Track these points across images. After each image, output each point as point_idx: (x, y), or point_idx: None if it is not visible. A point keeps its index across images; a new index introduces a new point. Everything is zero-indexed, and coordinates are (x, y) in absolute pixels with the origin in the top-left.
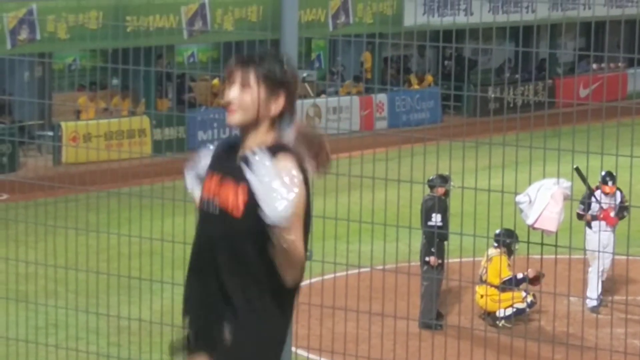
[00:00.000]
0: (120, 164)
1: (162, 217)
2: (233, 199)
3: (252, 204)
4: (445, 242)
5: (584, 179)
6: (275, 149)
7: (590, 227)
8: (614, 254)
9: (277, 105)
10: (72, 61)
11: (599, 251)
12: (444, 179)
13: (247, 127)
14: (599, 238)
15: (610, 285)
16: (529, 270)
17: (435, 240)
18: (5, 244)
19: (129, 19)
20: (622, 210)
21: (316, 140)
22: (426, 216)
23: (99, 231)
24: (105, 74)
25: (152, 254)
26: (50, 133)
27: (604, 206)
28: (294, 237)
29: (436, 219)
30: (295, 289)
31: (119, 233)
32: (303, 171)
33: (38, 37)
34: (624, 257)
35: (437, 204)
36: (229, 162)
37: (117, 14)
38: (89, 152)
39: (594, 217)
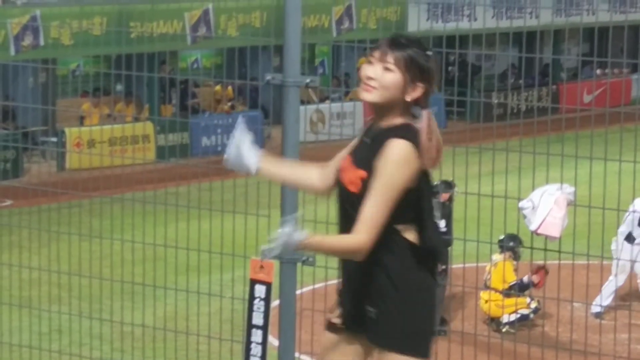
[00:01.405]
0: (124, 170)
1: (166, 222)
2: (351, 177)
3: (365, 186)
4: (449, 248)
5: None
6: (397, 131)
7: (630, 240)
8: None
9: (415, 92)
10: (76, 67)
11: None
12: (449, 185)
13: (381, 108)
14: (631, 251)
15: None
16: (534, 276)
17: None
18: (9, 249)
19: (132, 25)
20: None
21: (437, 136)
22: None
23: (102, 237)
24: (109, 79)
25: (155, 260)
26: (54, 139)
27: None
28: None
29: (440, 224)
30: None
31: (123, 239)
32: (418, 157)
33: (42, 43)
34: (628, 262)
35: (441, 209)
36: (360, 143)
37: (121, 19)
38: (92, 158)
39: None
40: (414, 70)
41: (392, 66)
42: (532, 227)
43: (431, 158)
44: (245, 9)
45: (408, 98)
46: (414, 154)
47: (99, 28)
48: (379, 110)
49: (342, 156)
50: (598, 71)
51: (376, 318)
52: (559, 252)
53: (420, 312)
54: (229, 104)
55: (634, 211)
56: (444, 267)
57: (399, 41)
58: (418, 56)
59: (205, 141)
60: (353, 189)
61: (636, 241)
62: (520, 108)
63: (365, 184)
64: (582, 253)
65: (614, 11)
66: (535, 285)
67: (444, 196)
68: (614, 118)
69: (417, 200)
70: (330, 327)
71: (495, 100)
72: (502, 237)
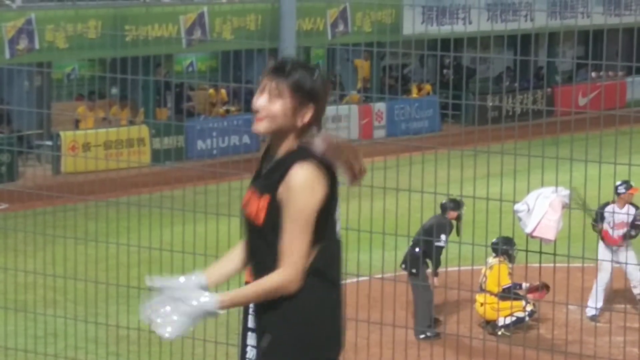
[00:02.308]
0: (119, 174)
1: (161, 226)
2: (254, 209)
3: (271, 213)
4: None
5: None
6: (296, 156)
7: (603, 239)
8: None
9: (306, 116)
10: (71, 70)
11: (610, 262)
12: (457, 204)
13: (275, 136)
14: (611, 250)
15: (609, 294)
16: (530, 295)
17: (438, 261)
18: (4, 253)
19: (127, 28)
20: (634, 228)
21: (347, 150)
22: (435, 233)
23: (98, 240)
24: (104, 83)
25: (151, 263)
26: (49, 142)
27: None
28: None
29: (441, 240)
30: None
31: (118, 242)
32: (329, 175)
33: (37, 46)
34: (622, 265)
35: (447, 227)
36: (260, 172)
37: (116, 23)
38: (88, 162)
39: (601, 236)
40: (301, 94)
41: (277, 94)
42: (527, 230)
43: (350, 173)
44: (240, 12)
45: (299, 123)
46: (318, 175)
47: (94, 31)
48: (274, 137)
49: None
50: (593, 74)
51: (268, 345)
52: (554, 254)
53: (316, 338)
54: (224, 107)
55: (605, 211)
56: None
57: (281, 67)
58: (302, 79)
59: (200, 144)
60: (259, 219)
61: (606, 243)
62: (515, 111)
63: (271, 210)
64: (577, 256)
65: (608, 14)
66: (531, 290)
67: (451, 214)
68: (609, 121)
69: (324, 222)
70: None
71: (490, 103)
72: (495, 240)
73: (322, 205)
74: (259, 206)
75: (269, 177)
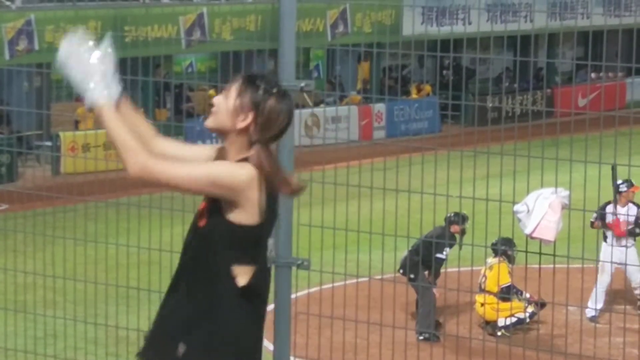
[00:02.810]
0: (119, 174)
1: (161, 227)
2: (201, 212)
3: (213, 215)
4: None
5: (614, 180)
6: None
7: (605, 240)
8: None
9: (244, 122)
10: None
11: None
12: (462, 218)
13: (224, 140)
14: (612, 251)
15: (609, 296)
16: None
17: (438, 272)
18: (4, 254)
19: (127, 29)
20: (638, 226)
21: (275, 168)
22: (437, 246)
23: (97, 241)
24: None
25: (150, 264)
26: (49, 143)
27: (619, 217)
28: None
29: (444, 253)
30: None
31: (118, 243)
32: (266, 182)
33: (36, 47)
34: (619, 266)
35: (450, 239)
36: None
37: (116, 24)
38: (87, 162)
39: (606, 227)
40: (245, 98)
41: (228, 93)
42: (527, 231)
43: (286, 188)
44: (239, 13)
45: (237, 125)
46: (247, 178)
47: (93, 32)
48: (223, 141)
49: (190, 153)
50: (592, 75)
51: (182, 356)
52: (554, 255)
53: (232, 356)
54: None
55: (604, 212)
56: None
57: (245, 73)
58: (253, 85)
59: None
60: (200, 222)
61: (609, 241)
62: (514, 112)
63: (211, 214)
64: (577, 257)
65: (608, 15)
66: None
67: (454, 228)
68: (609, 122)
69: (259, 239)
70: None
71: (489, 104)
72: (495, 240)
73: (254, 221)
74: (201, 211)
75: None
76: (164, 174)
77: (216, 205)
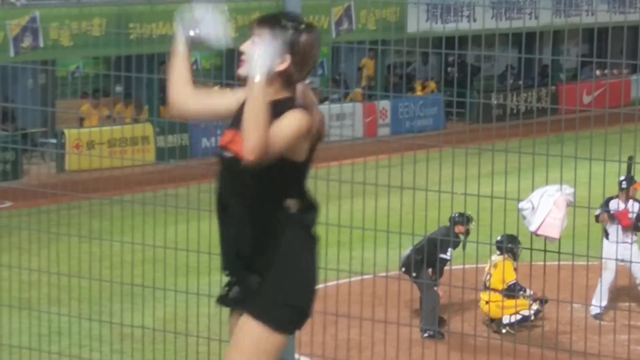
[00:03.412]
0: (124, 172)
1: (165, 224)
2: (239, 146)
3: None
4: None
5: (629, 172)
6: (286, 104)
7: (607, 237)
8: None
9: (283, 64)
10: (75, 68)
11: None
12: (467, 219)
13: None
14: (615, 248)
15: (613, 293)
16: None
17: (441, 271)
18: (8, 251)
19: (132, 26)
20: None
21: (314, 107)
22: (441, 246)
23: (102, 238)
24: (109, 81)
25: (155, 262)
26: (54, 140)
27: (627, 209)
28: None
29: (447, 254)
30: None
31: (122, 240)
32: (309, 129)
33: (41, 44)
34: (620, 262)
35: (454, 240)
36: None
37: (120, 21)
38: (92, 160)
39: (612, 217)
40: (279, 42)
41: (258, 39)
42: (532, 228)
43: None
44: (244, 10)
45: (276, 69)
46: (307, 124)
47: (98, 29)
48: None
49: (221, 96)
50: (597, 72)
51: (257, 287)
52: (559, 253)
53: (298, 288)
54: None
55: (607, 210)
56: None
57: (270, 17)
58: (284, 29)
59: (204, 142)
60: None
61: (611, 238)
62: (519, 109)
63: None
64: (582, 254)
65: (613, 12)
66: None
67: (459, 228)
68: (614, 119)
69: (303, 174)
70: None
71: (494, 101)
72: (500, 237)
73: (302, 159)
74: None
75: None
76: (274, 148)
77: None
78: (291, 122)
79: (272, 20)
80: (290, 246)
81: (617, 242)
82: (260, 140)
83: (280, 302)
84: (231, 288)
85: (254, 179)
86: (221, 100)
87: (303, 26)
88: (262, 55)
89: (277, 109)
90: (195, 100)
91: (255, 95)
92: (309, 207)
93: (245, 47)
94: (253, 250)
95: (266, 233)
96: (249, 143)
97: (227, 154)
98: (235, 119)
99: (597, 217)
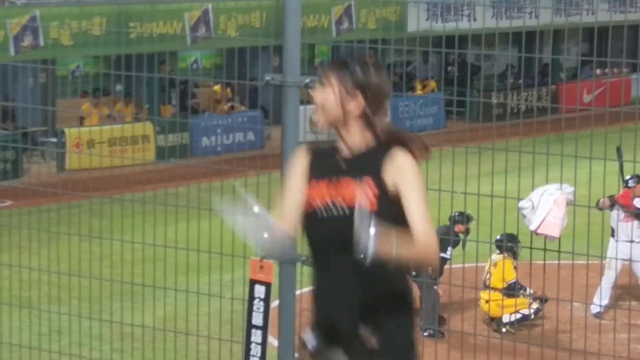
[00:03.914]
0: (124, 170)
1: (165, 223)
2: (362, 195)
3: (381, 195)
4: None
5: (620, 164)
6: (389, 140)
7: (612, 234)
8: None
9: (355, 102)
10: (75, 67)
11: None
12: (467, 218)
13: (337, 128)
14: (620, 247)
15: (615, 292)
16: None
17: (441, 270)
18: (9, 250)
19: (132, 26)
20: None
21: (408, 135)
22: (441, 245)
23: (102, 237)
24: (109, 80)
25: (155, 260)
26: (54, 139)
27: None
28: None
29: (447, 253)
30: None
31: (122, 239)
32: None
33: (41, 43)
34: (625, 262)
35: (454, 239)
36: (336, 165)
37: (121, 20)
38: (92, 159)
39: (613, 202)
40: (347, 82)
41: (327, 85)
42: (532, 227)
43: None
44: (244, 9)
45: (351, 109)
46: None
47: (98, 28)
48: (339, 130)
49: (295, 188)
50: (598, 71)
51: (376, 346)
52: (559, 252)
53: (416, 338)
54: (229, 104)
55: (617, 208)
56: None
57: (335, 61)
58: (349, 68)
59: (205, 141)
60: (372, 203)
61: (619, 237)
62: (519, 108)
63: (381, 190)
64: (582, 253)
65: (613, 11)
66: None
67: (459, 227)
68: (614, 118)
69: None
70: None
71: (494, 100)
72: (499, 236)
73: None
74: (366, 189)
75: (359, 164)
76: (428, 220)
77: (384, 190)
78: (417, 181)
79: (339, 64)
80: (407, 298)
81: (629, 241)
82: (431, 249)
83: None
84: (328, 351)
85: (382, 212)
86: (295, 197)
87: (370, 63)
88: (369, 238)
89: (382, 147)
90: (289, 224)
91: (397, 256)
92: None
93: (317, 97)
94: (368, 304)
95: (382, 284)
96: (431, 258)
97: (340, 209)
98: (316, 171)
99: (597, 203)
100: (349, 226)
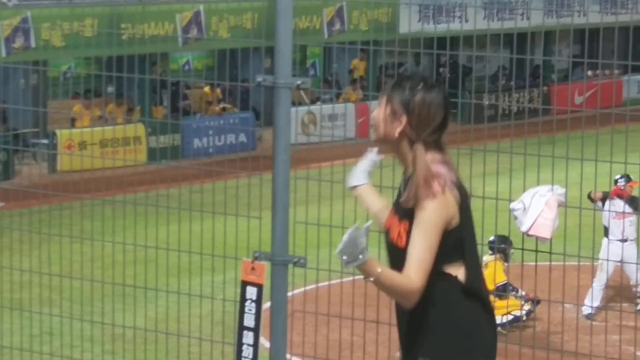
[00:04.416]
0: (115, 172)
1: (157, 224)
2: (395, 233)
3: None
4: None
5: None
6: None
7: (606, 234)
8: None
9: (398, 125)
10: (67, 69)
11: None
12: None
13: (388, 148)
14: (613, 248)
15: (607, 293)
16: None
17: None
18: (0, 252)
19: (123, 27)
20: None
21: (420, 170)
22: None
23: (93, 239)
24: (100, 81)
25: (146, 262)
26: (45, 141)
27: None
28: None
29: None
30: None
31: (114, 241)
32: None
33: (33, 44)
34: (618, 263)
35: None
36: (400, 191)
37: (112, 21)
38: (83, 160)
39: (605, 196)
40: (395, 102)
41: (380, 103)
42: (523, 229)
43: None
44: (236, 11)
45: (395, 132)
46: (442, 213)
47: (90, 30)
48: (392, 149)
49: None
50: (589, 72)
51: None
52: (550, 253)
53: (473, 355)
54: (220, 105)
55: (608, 210)
56: None
57: (394, 80)
58: (400, 89)
59: (196, 143)
60: (400, 243)
61: (612, 236)
62: (511, 109)
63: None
64: (573, 254)
65: (604, 12)
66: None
67: None
68: (605, 119)
69: (460, 239)
70: None
71: (486, 102)
72: (492, 238)
73: (454, 224)
74: (400, 231)
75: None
76: (423, 273)
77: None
78: (425, 228)
79: (396, 81)
80: (460, 322)
81: (622, 240)
82: (408, 289)
83: None
84: None
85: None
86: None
87: (421, 86)
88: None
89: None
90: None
91: (381, 283)
92: (474, 276)
93: (374, 112)
94: (418, 329)
95: (429, 309)
96: (409, 299)
97: (389, 237)
98: (397, 197)
99: (589, 195)
100: (396, 261)
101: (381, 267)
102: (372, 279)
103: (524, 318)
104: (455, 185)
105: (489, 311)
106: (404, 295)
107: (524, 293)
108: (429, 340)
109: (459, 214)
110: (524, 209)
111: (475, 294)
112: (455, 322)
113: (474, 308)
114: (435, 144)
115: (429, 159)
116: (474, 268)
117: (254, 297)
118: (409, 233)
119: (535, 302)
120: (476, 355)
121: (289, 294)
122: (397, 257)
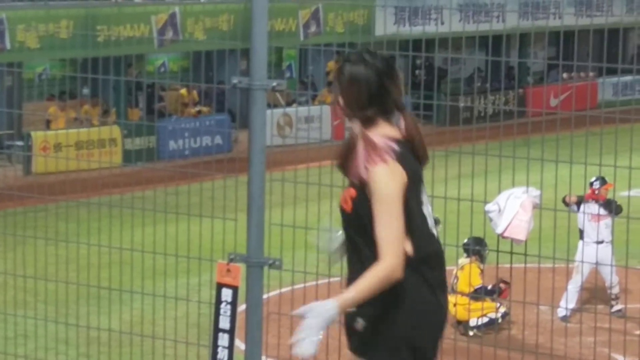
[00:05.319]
0: (91, 174)
1: (132, 227)
2: (343, 198)
3: (357, 200)
4: None
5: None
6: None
7: (582, 237)
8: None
9: (340, 106)
10: (42, 70)
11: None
12: (435, 222)
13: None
14: (589, 251)
15: (581, 295)
16: (501, 284)
17: None
18: None
19: (99, 29)
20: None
21: (365, 144)
22: None
23: (68, 241)
24: (76, 83)
25: (122, 264)
26: (20, 143)
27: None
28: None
29: None
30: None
31: (89, 243)
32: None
33: (8, 46)
34: (593, 265)
35: None
36: None
37: (87, 23)
38: (59, 162)
39: (580, 200)
40: (334, 85)
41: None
42: (498, 231)
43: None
44: (212, 13)
45: (342, 112)
46: (397, 174)
47: (65, 31)
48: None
49: None
50: (564, 75)
51: (363, 330)
52: (525, 255)
53: (408, 324)
54: (196, 107)
55: (583, 213)
56: None
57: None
58: (338, 69)
59: (172, 145)
60: (347, 208)
61: (587, 239)
62: (486, 111)
63: (355, 203)
64: (548, 256)
65: (580, 15)
66: (500, 294)
67: None
68: (580, 122)
69: (407, 212)
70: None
71: (461, 104)
72: (467, 240)
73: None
74: (346, 196)
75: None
76: (395, 247)
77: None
78: (381, 191)
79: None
80: (398, 293)
81: (597, 242)
82: (388, 270)
83: (394, 343)
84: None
85: (353, 225)
86: None
87: (347, 62)
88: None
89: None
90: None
91: (357, 301)
92: (423, 246)
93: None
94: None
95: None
96: (394, 275)
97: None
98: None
99: (564, 199)
100: (345, 226)
101: (347, 291)
102: (353, 308)
103: (500, 321)
104: (403, 158)
105: (434, 287)
106: (390, 281)
107: (497, 288)
108: (370, 304)
109: (407, 186)
110: (499, 210)
111: (420, 267)
112: (397, 298)
113: (417, 285)
114: (386, 119)
115: (377, 134)
116: (420, 239)
117: (230, 299)
118: (354, 199)
119: (504, 282)
120: (409, 334)
121: (265, 296)
122: (345, 221)
